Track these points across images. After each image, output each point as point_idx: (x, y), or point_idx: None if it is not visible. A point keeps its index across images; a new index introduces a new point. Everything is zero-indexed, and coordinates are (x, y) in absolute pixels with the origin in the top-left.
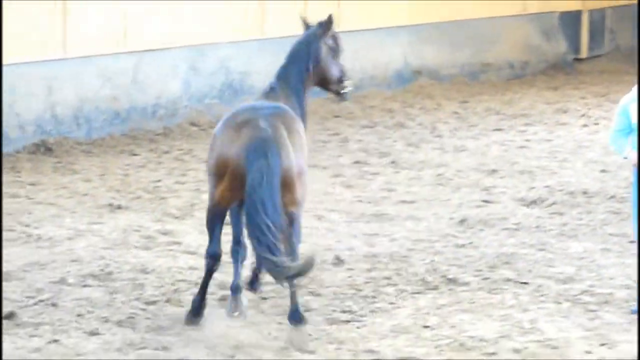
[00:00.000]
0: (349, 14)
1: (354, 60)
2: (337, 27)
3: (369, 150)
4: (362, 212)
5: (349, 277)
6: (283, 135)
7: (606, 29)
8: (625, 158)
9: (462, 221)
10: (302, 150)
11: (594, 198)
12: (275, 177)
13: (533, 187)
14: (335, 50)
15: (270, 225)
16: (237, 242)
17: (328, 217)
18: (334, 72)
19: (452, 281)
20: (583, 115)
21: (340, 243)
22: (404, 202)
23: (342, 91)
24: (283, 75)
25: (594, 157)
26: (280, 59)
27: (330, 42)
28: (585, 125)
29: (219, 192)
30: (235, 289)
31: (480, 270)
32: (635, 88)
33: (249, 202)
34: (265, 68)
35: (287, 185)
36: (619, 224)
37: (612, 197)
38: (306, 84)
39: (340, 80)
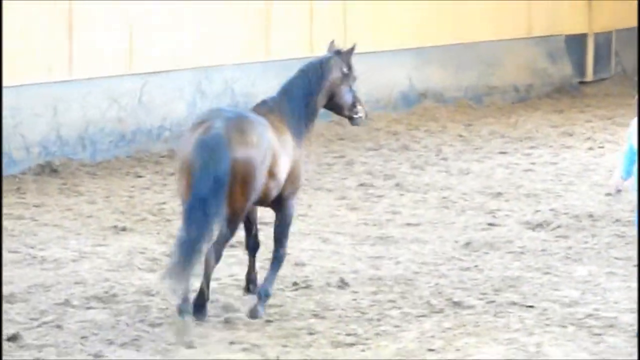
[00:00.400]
0: (355, 37)
1: (359, 82)
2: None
3: (374, 173)
4: (367, 234)
5: (354, 299)
6: (238, 132)
7: (612, 52)
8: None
9: (467, 244)
10: (257, 148)
11: (599, 221)
12: (220, 172)
13: (538, 210)
14: (348, 77)
15: (205, 223)
16: (254, 236)
17: (333, 239)
18: (346, 98)
19: (457, 304)
20: (588, 139)
21: (345, 265)
22: (409, 224)
23: (355, 116)
24: (286, 90)
25: (599, 181)
26: (283, 81)
27: (344, 68)
28: (590, 149)
29: (182, 190)
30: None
31: (486, 294)
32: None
33: (191, 197)
34: (269, 90)
35: (240, 180)
36: (624, 248)
37: (618, 220)
38: (311, 103)
39: (352, 106)
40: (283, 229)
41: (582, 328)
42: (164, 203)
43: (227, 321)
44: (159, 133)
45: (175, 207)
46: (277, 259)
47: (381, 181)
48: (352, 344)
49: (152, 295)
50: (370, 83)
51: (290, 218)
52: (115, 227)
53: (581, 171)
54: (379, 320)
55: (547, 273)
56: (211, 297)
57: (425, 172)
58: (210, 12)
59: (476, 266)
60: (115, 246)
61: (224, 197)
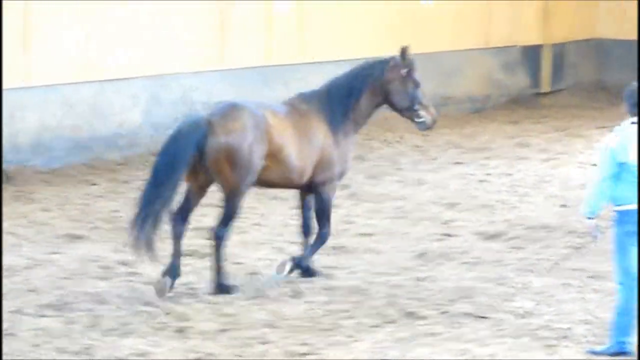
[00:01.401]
0: (313, 46)
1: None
2: (300, 59)
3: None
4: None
5: (308, 309)
6: (222, 118)
7: (568, 63)
8: (591, 218)
9: (422, 254)
10: (240, 134)
11: (554, 232)
12: (187, 150)
13: (493, 221)
14: (406, 80)
15: (155, 200)
16: (303, 224)
17: (287, 249)
18: (401, 100)
19: (411, 315)
20: (544, 150)
21: (300, 275)
22: (363, 234)
23: (416, 120)
24: (330, 85)
25: (554, 192)
26: (241, 89)
27: (403, 71)
28: (546, 160)
29: None
30: (296, 260)
31: (440, 304)
32: (619, 127)
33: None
34: (226, 98)
35: (224, 161)
36: (579, 259)
37: (572, 232)
38: (357, 100)
39: (411, 110)
40: (321, 213)
41: (536, 339)
42: (118, 211)
43: (180, 330)
44: (114, 141)
45: (129, 215)
46: (319, 237)
47: (336, 191)
48: (305, 354)
49: (105, 303)
50: None
51: (326, 203)
52: (69, 235)
53: (536, 182)
54: (332, 330)
55: (502, 284)
56: (166, 305)
57: (380, 182)
58: (166, 21)
59: (430, 277)
60: (69, 254)
61: (180, 174)
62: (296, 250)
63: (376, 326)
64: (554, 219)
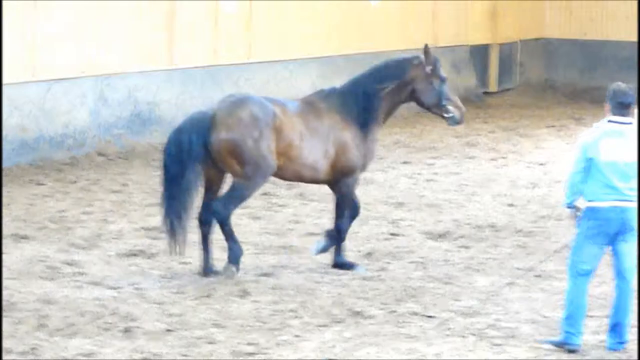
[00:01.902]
0: (260, 46)
1: (264, 91)
2: (247, 59)
3: (277, 182)
4: (269, 244)
5: (255, 309)
6: (225, 114)
7: (516, 63)
8: (569, 207)
9: (370, 254)
10: (242, 128)
11: (501, 232)
12: (193, 144)
13: (440, 221)
14: (431, 77)
15: (176, 197)
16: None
17: None
18: (428, 96)
19: (359, 314)
20: (492, 149)
21: (247, 275)
22: (311, 234)
23: (445, 115)
24: (352, 82)
25: (501, 191)
26: (188, 89)
27: (429, 69)
28: (493, 159)
29: None
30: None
31: (387, 304)
32: (596, 125)
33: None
34: (173, 98)
35: (228, 154)
36: (526, 258)
37: (519, 231)
38: (380, 97)
39: (438, 106)
40: (342, 205)
41: (482, 338)
42: (64, 211)
43: (127, 330)
44: (61, 141)
45: (76, 214)
46: (339, 231)
47: (284, 190)
48: (252, 354)
49: (52, 303)
50: (275, 92)
51: (348, 196)
52: (15, 235)
53: (484, 181)
54: (279, 329)
55: (449, 283)
56: (112, 305)
57: None
58: (113, 20)
59: (378, 276)
60: (15, 254)
61: (190, 168)
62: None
63: (323, 326)
64: (501, 218)
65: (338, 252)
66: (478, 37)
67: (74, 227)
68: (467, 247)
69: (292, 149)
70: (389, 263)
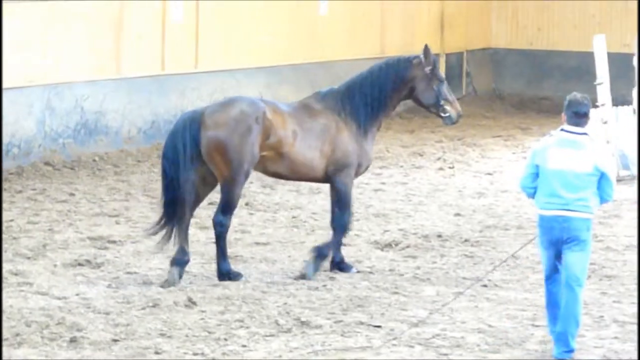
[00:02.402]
0: (208, 55)
1: (211, 101)
2: (194, 69)
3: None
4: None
5: (201, 319)
6: (213, 113)
7: (463, 73)
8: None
9: None
10: (228, 128)
11: (447, 242)
12: (187, 145)
13: (387, 230)
14: (430, 77)
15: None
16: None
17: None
18: (427, 96)
19: (305, 324)
20: (439, 159)
21: (193, 284)
22: (258, 244)
23: (442, 115)
24: (351, 83)
25: (448, 201)
26: (135, 98)
27: (428, 69)
28: (440, 169)
29: None
30: (337, 263)
31: (333, 313)
32: (551, 133)
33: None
34: (120, 107)
35: (214, 152)
36: (472, 268)
37: (466, 240)
38: (379, 97)
39: (436, 105)
40: (340, 202)
41: (429, 348)
42: (11, 220)
43: (73, 340)
44: (7, 150)
45: (22, 224)
46: (337, 228)
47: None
48: None
49: None
50: None
51: (343, 194)
52: None
53: (431, 191)
54: (226, 339)
55: (395, 293)
56: (58, 315)
57: (275, 191)
58: (61, 30)
59: (325, 286)
60: None
61: (184, 169)
62: (192, 259)
63: (270, 335)
64: (447, 228)
65: (337, 252)
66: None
67: (20, 237)
68: (414, 257)
69: (283, 146)
70: (336, 273)
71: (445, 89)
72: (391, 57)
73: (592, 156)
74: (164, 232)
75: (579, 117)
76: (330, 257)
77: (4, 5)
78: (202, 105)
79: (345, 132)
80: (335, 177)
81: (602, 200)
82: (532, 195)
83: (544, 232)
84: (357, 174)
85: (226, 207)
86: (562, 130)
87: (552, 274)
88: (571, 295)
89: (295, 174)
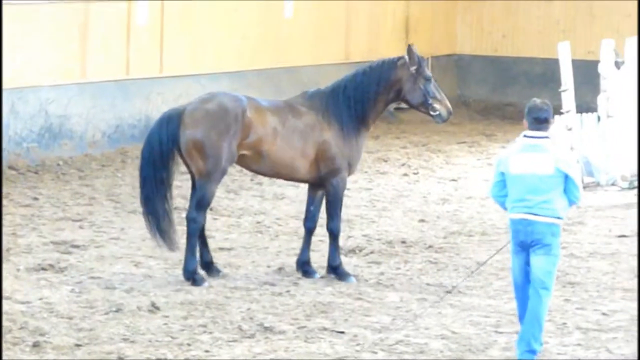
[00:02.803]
0: (172, 60)
1: (176, 105)
2: (159, 73)
3: (188, 197)
4: (179, 258)
5: (165, 324)
6: (192, 111)
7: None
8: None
9: (280, 269)
10: (204, 126)
11: (412, 247)
12: (165, 142)
13: (351, 236)
14: (416, 77)
15: (153, 196)
16: (305, 218)
17: (145, 263)
18: (416, 96)
19: (269, 329)
20: (403, 165)
21: (157, 289)
22: (222, 249)
23: (432, 113)
24: (338, 84)
25: (413, 207)
26: (100, 102)
27: (413, 69)
28: (405, 175)
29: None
30: (303, 263)
31: (297, 319)
32: (514, 140)
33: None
34: (85, 111)
35: (191, 147)
36: (436, 274)
37: (430, 246)
38: (365, 98)
39: (425, 104)
40: (330, 205)
41: (392, 354)
42: None
43: (36, 345)
44: None
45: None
46: (330, 233)
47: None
48: None
49: None
50: None
51: (334, 196)
52: None
53: (395, 197)
54: (189, 345)
55: (359, 299)
56: (21, 319)
57: (239, 196)
58: (26, 33)
59: (288, 291)
60: None
61: (163, 165)
62: (155, 264)
63: (234, 341)
64: (412, 234)
65: (334, 256)
66: (391, 53)
67: None
68: (377, 263)
69: (263, 144)
70: (299, 278)
71: (432, 87)
72: (377, 60)
73: (553, 158)
74: (158, 232)
75: (539, 122)
76: (337, 262)
77: None
78: (165, 110)
79: (328, 133)
80: (327, 180)
81: (570, 202)
82: (503, 203)
83: (513, 236)
84: (348, 174)
85: (200, 204)
86: (524, 136)
87: (524, 282)
88: (536, 298)
89: (277, 173)
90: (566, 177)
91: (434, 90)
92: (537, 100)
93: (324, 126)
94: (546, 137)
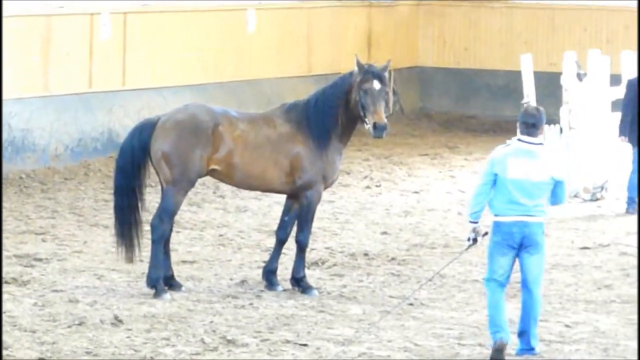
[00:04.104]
0: (134, 73)
1: (138, 118)
2: (121, 86)
3: (151, 210)
4: (142, 271)
5: (127, 337)
6: (164, 122)
7: (390, 91)
8: (472, 222)
9: (243, 282)
10: (172, 136)
11: (374, 260)
12: (137, 152)
13: (314, 249)
14: (357, 89)
15: (125, 206)
16: (278, 227)
17: (108, 276)
18: (355, 108)
19: (232, 342)
20: (366, 177)
21: (120, 302)
22: (184, 262)
23: (365, 126)
24: (310, 98)
25: (375, 219)
26: (63, 115)
27: (356, 80)
28: (367, 187)
29: None
30: (269, 272)
31: (260, 332)
32: (508, 142)
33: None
34: (47, 124)
35: (160, 157)
36: (399, 287)
37: (393, 259)
38: (332, 112)
39: (359, 116)
40: (301, 217)
41: None
42: None
43: None
44: None
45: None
46: (298, 244)
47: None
48: None
49: None
50: None
51: (305, 208)
52: None
53: (358, 210)
54: (152, 358)
55: (322, 311)
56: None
57: (202, 209)
58: None
59: (251, 304)
60: None
61: (134, 175)
62: (118, 277)
63: (197, 354)
64: (374, 247)
65: (299, 268)
66: (352, 66)
67: None
68: (340, 276)
69: (233, 156)
70: (262, 291)
71: (369, 98)
72: (347, 71)
73: (548, 167)
74: (123, 240)
75: (527, 127)
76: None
77: None
78: (129, 124)
79: (301, 145)
80: (302, 192)
81: (554, 203)
82: (482, 204)
83: (504, 237)
84: (324, 187)
85: (165, 213)
86: (518, 140)
87: (504, 280)
88: (529, 296)
89: (249, 185)
90: (557, 183)
91: (368, 102)
92: (532, 106)
93: (298, 138)
94: (540, 144)
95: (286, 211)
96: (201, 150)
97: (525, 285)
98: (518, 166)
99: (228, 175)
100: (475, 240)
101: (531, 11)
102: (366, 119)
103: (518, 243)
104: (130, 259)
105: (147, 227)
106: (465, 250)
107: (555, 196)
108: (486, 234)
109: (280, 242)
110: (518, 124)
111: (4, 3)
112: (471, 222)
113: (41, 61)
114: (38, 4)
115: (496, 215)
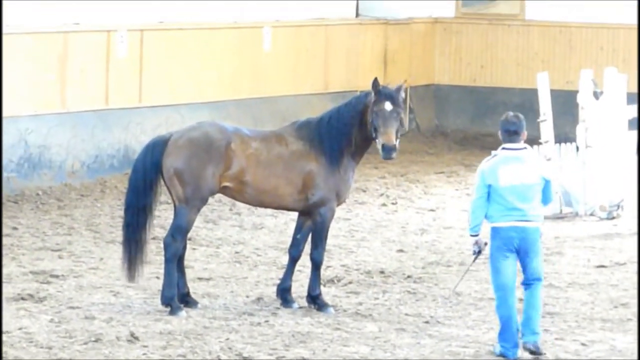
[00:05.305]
0: (151, 90)
1: (155, 135)
2: (138, 103)
3: (167, 227)
4: (158, 288)
5: (144, 354)
6: (176, 139)
7: (406, 109)
8: (473, 235)
9: (259, 299)
10: (184, 155)
11: (390, 278)
12: (149, 169)
13: (330, 266)
14: (370, 110)
15: (135, 223)
16: (290, 244)
17: (124, 293)
18: (368, 130)
19: (247, 359)
20: (382, 195)
21: (136, 319)
22: (200, 279)
23: (377, 147)
24: (323, 116)
25: (391, 237)
26: (79, 132)
27: (370, 100)
28: (383, 205)
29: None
30: (284, 290)
31: (276, 349)
32: (494, 153)
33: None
34: (64, 141)
35: (172, 174)
36: (415, 304)
37: (409, 277)
38: (345, 131)
39: (372, 137)
40: (315, 234)
41: None
42: None
43: None
44: None
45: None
46: (313, 262)
47: None
48: None
49: None
50: None
51: (321, 225)
52: None
53: (374, 227)
54: None
55: (338, 329)
56: (3, 349)
57: (218, 226)
58: (6, 63)
59: (267, 321)
60: None
61: (146, 193)
62: (134, 294)
63: None
64: (390, 264)
65: (314, 286)
66: (369, 83)
67: None
68: (356, 293)
69: (246, 174)
70: (278, 308)
71: (380, 120)
72: (362, 92)
73: (537, 168)
74: (129, 259)
75: (509, 134)
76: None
77: None
78: (146, 140)
79: (314, 162)
80: (315, 209)
81: (546, 203)
82: (481, 217)
83: (504, 242)
84: (337, 204)
85: (178, 231)
86: (503, 148)
87: (511, 282)
88: (530, 291)
89: (261, 202)
90: (546, 183)
91: (379, 124)
92: (510, 114)
93: (311, 156)
94: (525, 149)
95: (298, 229)
96: (213, 168)
97: (527, 284)
98: (510, 173)
99: (240, 193)
100: (479, 252)
101: (548, 29)
102: (377, 140)
103: (516, 248)
104: (132, 278)
105: (161, 245)
106: (473, 262)
107: (546, 196)
108: (487, 243)
109: (293, 260)
110: (500, 133)
111: (21, 20)
112: (472, 235)
113: (58, 78)
114: (55, 20)
115: (494, 222)
